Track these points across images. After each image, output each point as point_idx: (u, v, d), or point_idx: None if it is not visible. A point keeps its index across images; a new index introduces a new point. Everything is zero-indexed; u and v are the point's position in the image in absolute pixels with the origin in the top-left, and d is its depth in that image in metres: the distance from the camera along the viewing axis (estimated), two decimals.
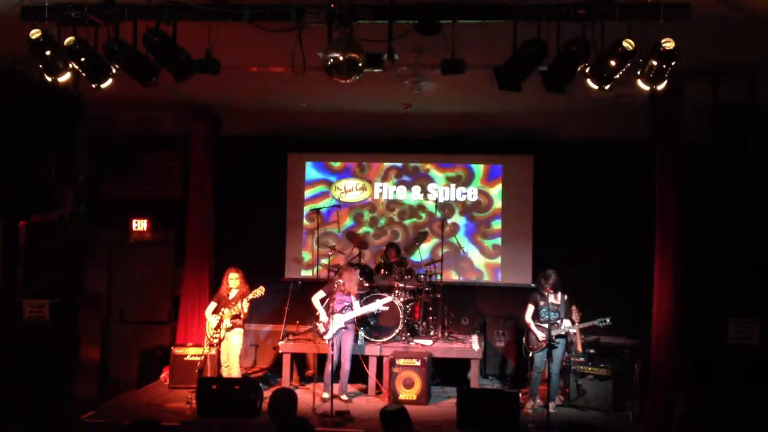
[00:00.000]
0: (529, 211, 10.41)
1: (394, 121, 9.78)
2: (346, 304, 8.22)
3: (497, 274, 10.54)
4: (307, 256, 10.67)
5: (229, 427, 7.34)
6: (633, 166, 9.03)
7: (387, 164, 10.79)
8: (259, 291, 8.11)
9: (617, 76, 5.35)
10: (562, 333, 7.97)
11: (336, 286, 8.24)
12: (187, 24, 5.40)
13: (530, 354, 8.18)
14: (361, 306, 8.35)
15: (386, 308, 8.81)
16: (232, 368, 8.30)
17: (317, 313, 8.42)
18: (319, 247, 9.89)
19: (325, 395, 8.11)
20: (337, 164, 10.87)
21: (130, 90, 6.07)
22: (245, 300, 8.14)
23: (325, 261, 9.72)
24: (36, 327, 7.46)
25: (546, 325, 7.88)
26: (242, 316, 8.25)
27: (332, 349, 8.10)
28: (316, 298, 8.41)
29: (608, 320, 7.83)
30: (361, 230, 10.61)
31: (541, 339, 7.97)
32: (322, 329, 8.23)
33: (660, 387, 7.28)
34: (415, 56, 6.70)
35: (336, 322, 8.11)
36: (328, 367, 8.17)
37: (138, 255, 10.65)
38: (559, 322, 7.96)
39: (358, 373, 8.72)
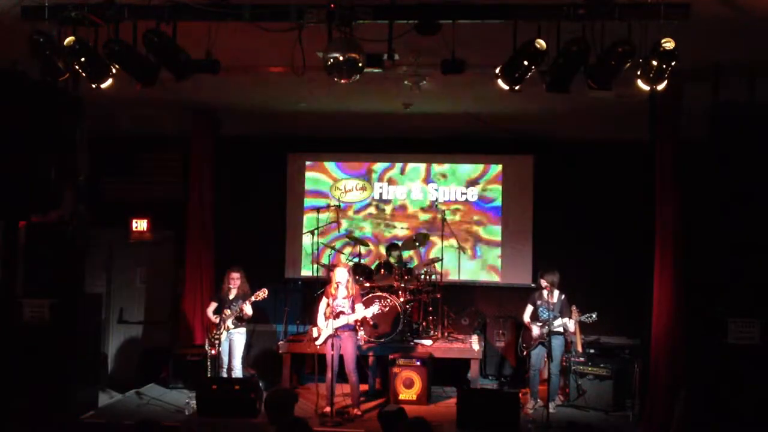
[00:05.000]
0: (529, 211, 10.42)
1: (394, 121, 9.78)
2: (340, 309, 7.74)
3: (497, 274, 10.54)
4: (307, 256, 10.66)
5: (229, 427, 7.34)
6: (633, 166, 9.03)
7: (387, 164, 10.80)
8: (262, 293, 8.01)
9: (617, 76, 5.35)
10: (556, 330, 7.99)
11: (336, 286, 7.84)
12: (187, 24, 5.39)
13: (524, 353, 8.21)
14: (354, 309, 7.79)
15: (385, 309, 8.70)
16: (234, 368, 8.27)
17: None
18: (319, 247, 9.89)
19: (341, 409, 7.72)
20: (337, 164, 10.87)
21: (130, 90, 6.06)
22: (248, 302, 8.07)
23: (325, 261, 9.72)
24: (36, 327, 7.46)
25: (541, 324, 7.93)
26: (244, 317, 8.20)
27: (329, 357, 7.65)
28: (322, 304, 7.88)
29: (594, 315, 7.85)
30: (361, 230, 10.61)
31: (535, 336, 8.02)
32: (315, 334, 7.87)
33: (660, 387, 7.27)
34: (415, 56, 6.71)
35: (327, 328, 7.67)
36: (329, 375, 7.69)
37: (138, 255, 10.65)
38: (555, 322, 7.97)
39: (358, 374, 8.70)
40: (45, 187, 7.33)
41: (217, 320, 8.16)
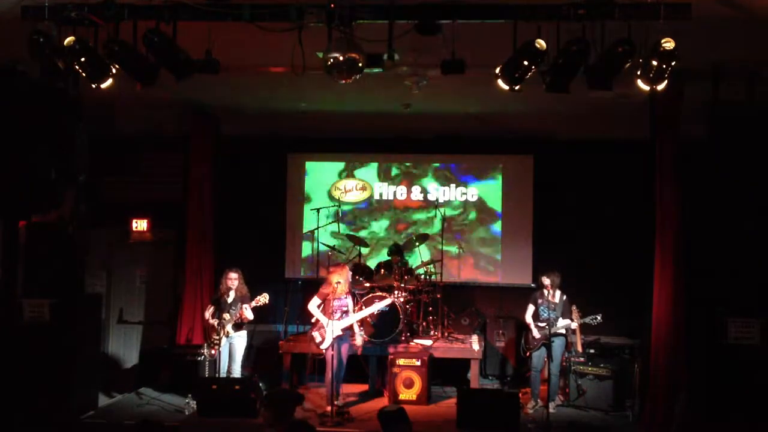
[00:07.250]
0: (529, 211, 10.42)
1: (394, 121, 9.78)
2: (344, 309, 7.77)
3: (497, 274, 10.54)
4: (306, 256, 10.66)
5: (229, 427, 7.34)
6: (633, 166, 9.03)
7: (387, 164, 10.80)
8: (263, 299, 7.87)
9: (617, 76, 5.35)
10: (558, 331, 7.99)
11: (333, 288, 7.76)
12: (187, 24, 5.40)
13: (527, 353, 8.21)
14: (356, 309, 7.84)
15: (386, 308, 8.70)
16: (233, 373, 8.20)
17: (314, 320, 7.94)
18: (319, 246, 9.88)
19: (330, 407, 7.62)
20: (336, 164, 10.87)
21: (130, 90, 6.06)
22: (247, 306, 7.90)
23: (324, 261, 9.72)
24: (36, 327, 7.46)
25: (543, 324, 7.93)
26: (244, 321, 8.01)
27: (330, 357, 7.66)
28: (313, 305, 7.89)
29: (599, 317, 7.86)
30: (361, 230, 10.61)
31: (537, 337, 8.00)
32: (318, 338, 7.76)
33: (660, 387, 7.27)
34: (415, 56, 6.71)
35: (332, 330, 7.63)
36: (329, 375, 7.69)
37: (138, 255, 10.65)
38: (557, 322, 7.97)
39: (358, 373, 8.71)
40: (45, 187, 7.34)
41: (216, 323, 8.04)
